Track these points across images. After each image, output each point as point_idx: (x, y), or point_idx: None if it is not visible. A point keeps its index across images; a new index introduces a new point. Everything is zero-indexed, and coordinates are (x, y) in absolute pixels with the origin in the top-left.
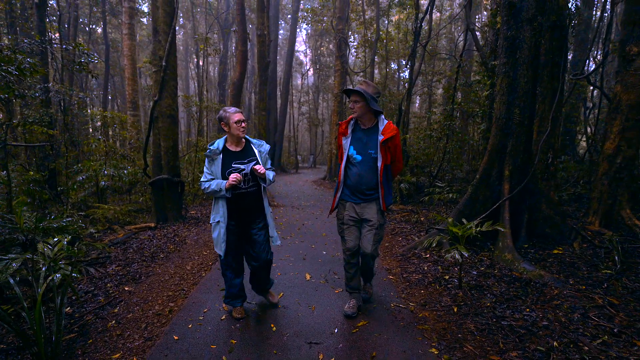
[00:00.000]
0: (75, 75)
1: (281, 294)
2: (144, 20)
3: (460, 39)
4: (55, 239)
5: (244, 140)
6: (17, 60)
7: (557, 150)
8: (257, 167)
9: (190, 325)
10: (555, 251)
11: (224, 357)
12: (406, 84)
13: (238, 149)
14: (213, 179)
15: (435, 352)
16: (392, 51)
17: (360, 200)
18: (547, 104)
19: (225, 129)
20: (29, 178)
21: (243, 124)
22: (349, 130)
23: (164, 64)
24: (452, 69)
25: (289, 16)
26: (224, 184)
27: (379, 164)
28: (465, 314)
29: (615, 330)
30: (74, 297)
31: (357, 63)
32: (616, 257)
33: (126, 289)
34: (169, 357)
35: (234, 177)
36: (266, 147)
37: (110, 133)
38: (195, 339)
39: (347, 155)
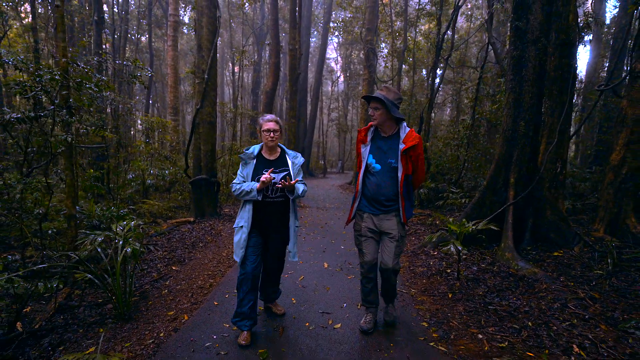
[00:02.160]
0: (123, 83)
1: (302, 277)
2: (184, 29)
3: (486, 49)
4: (124, 222)
5: (279, 149)
6: (95, 77)
7: (565, 161)
8: (288, 178)
9: (227, 295)
10: (556, 253)
11: None
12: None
13: (272, 158)
14: (244, 182)
15: (426, 325)
16: (421, 60)
17: (379, 211)
18: (556, 116)
19: (259, 134)
20: (90, 175)
21: (272, 134)
22: (369, 138)
23: (206, 76)
24: (483, 77)
25: (321, 25)
26: (255, 185)
27: (399, 174)
28: (458, 299)
29: (586, 317)
30: (133, 272)
31: (386, 72)
32: (609, 260)
33: (173, 268)
34: (211, 316)
35: (265, 176)
36: (301, 159)
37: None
38: (231, 305)
39: (366, 164)
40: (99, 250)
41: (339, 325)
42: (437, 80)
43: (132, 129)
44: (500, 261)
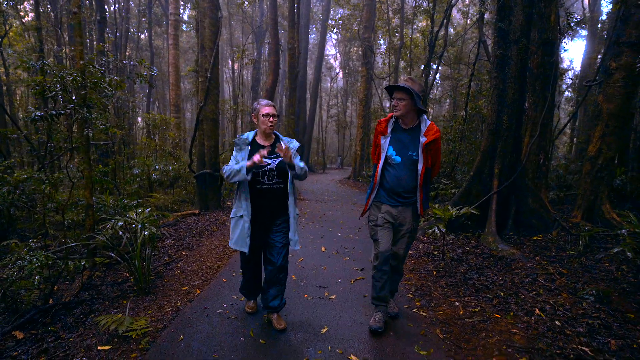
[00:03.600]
0: (125, 82)
1: (301, 259)
2: (184, 27)
3: (478, 47)
4: (139, 210)
5: (273, 135)
6: (108, 77)
7: (548, 152)
8: (284, 144)
9: (234, 274)
10: (535, 237)
11: None
12: (430, 88)
13: (266, 144)
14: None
15: (410, 296)
16: (418, 56)
17: (398, 203)
18: (539, 111)
19: (255, 120)
20: (99, 170)
21: (271, 118)
22: (389, 130)
23: (209, 75)
24: (476, 73)
25: (319, 23)
26: (245, 163)
27: (420, 166)
28: (441, 275)
29: (552, 288)
30: (151, 253)
31: (384, 69)
32: (581, 242)
33: (183, 253)
34: (221, 290)
35: (257, 156)
36: (295, 144)
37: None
38: (237, 282)
39: (385, 155)
40: (120, 233)
41: (334, 296)
42: (431, 77)
43: (133, 126)
44: (484, 244)
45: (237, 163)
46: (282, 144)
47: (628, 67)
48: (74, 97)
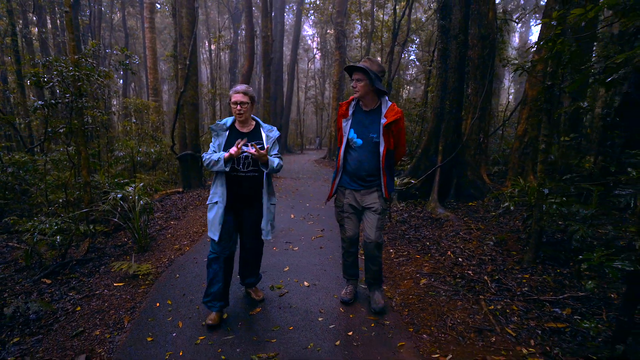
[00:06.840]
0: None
1: None
2: (157, 6)
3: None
4: (133, 185)
5: (253, 122)
6: (98, 69)
7: (487, 132)
8: (255, 148)
9: None
10: (471, 204)
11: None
12: (401, 71)
13: (245, 130)
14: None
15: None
16: (389, 40)
17: (360, 187)
18: (479, 96)
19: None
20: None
21: (239, 107)
22: (350, 112)
23: (188, 62)
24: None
25: (295, 7)
26: (223, 154)
27: (381, 148)
28: (385, 233)
29: (468, 238)
30: (147, 219)
31: (361, 52)
32: (502, 205)
33: (172, 222)
34: (206, 246)
35: (233, 148)
36: (276, 133)
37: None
38: None
39: (347, 138)
40: (121, 202)
41: (297, 248)
42: (396, 59)
43: (111, 109)
44: (427, 210)
45: (214, 150)
46: (250, 147)
47: (546, 59)
48: (70, 88)
